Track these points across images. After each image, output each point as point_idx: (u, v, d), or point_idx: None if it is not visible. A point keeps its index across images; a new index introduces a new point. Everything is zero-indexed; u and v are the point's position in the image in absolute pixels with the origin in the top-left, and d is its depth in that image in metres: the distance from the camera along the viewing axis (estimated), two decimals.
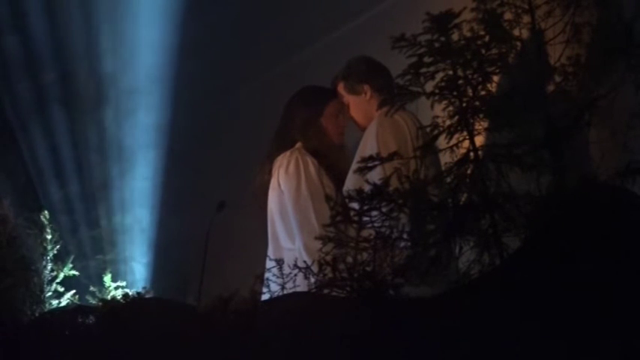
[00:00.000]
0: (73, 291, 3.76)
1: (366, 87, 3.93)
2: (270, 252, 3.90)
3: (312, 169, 3.84)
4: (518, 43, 2.71)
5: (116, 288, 3.94)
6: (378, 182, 2.52)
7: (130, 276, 5.42)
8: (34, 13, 5.77)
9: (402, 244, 2.53)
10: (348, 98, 3.98)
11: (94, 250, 5.72)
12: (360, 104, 3.96)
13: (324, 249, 2.62)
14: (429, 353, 2.26)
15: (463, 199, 2.55)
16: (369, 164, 2.60)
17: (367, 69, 3.95)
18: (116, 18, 5.94)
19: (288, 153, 3.91)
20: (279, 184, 3.88)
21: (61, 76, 5.94)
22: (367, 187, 2.53)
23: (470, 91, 2.56)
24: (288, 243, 3.84)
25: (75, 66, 6.00)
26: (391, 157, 2.63)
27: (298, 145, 3.96)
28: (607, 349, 2.09)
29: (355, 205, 2.55)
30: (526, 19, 2.72)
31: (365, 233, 2.56)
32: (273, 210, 3.92)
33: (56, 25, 5.82)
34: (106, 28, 5.96)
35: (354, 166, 3.52)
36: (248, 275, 3.15)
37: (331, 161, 3.93)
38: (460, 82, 2.55)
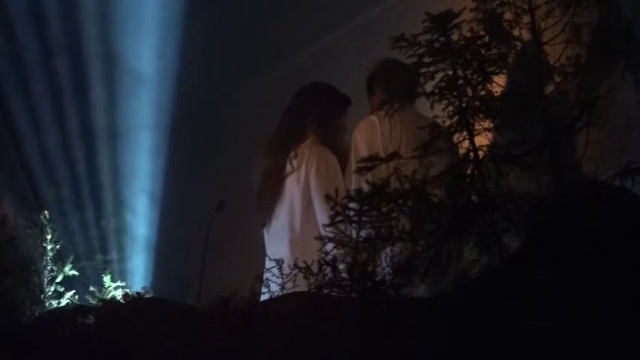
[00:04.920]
0: (73, 291, 3.76)
1: (377, 88, 4.05)
2: (284, 242, 3.89)
3: (338, 168, 3.89)
4: (518, 43, 2.71)
5: (116, 288, 3.93)
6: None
7: (129, 276, 5.42)
8: (33, 14, 5.78)
9: (402, 244, 2.53)
10: (370, 98, 4.06)
11: (94, 250, 5.72)
12: (374, 104, 4.05)
13: (323, 249, 2.62)
14: (429, 353, 2.26)
15: (463, 199, 2.55)
16: (369, 164, 2.60)
17: (378, 71, 4.06)
18: (116, 18, 5.95)
19: (314, 149, 3.95)
20: (305, 179, 3.89)
21: (59, 76, 5.94)
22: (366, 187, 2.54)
23: (470, 91, 2.56)
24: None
25: (75, 65, 6.01)
26: (390, 157, 2.63)
27: (312, 138, 3.98)
28: (606, 348, 2.09)
29: (355, 205, 2.55)
30: (526, 19, 2.72)
31: (364, 233, 2.56)
32: (295, 202, 3.91)
33: (57, 22, 5.83)
34: (106, 32, 5.97)
35: (354, 166, 3.59)
36: (248, 275, 3.15)
37: (344, 160, 3.98)
38: (460, 82, 2.55)
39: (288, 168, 3.97)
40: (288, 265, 2.90)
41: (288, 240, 3.92)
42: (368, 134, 3.83)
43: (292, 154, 3.97)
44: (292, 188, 3.95)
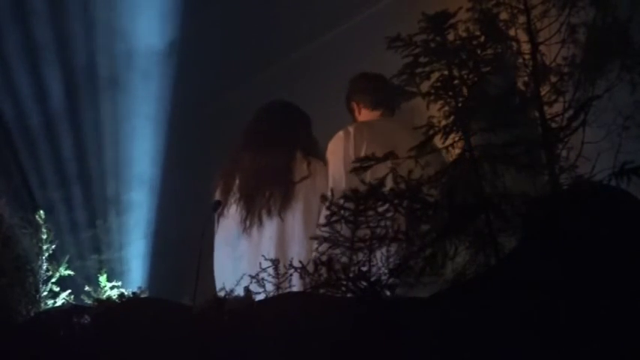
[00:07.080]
0: (69, 291, 3.75)
1: (354, 104, 4.10)
2: (302, 245, 3.87)
3: None
4: (514, 43, 2.71)
5: (112, 288, 3.92)
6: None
7: (125, 276, 5.41)
8: (30, 13, 5.77)
9: (398, 244, 2.54)
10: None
11: (90, 250, 5.70)
12: (355, 120, 4.12)
13: (319, 249, 2.62)
14: (424, 353, 2.26)
15: (458, 199, 2.55)
16: (364, 164, 2.62)
17: (353, 87, 4.13)
18: (114, 16, 5.95)
19: (321, 163, 3.97)
20: (320, 190, 3.88)
21: (56, 76, 5.94)
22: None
23: (465, 91, 2.56)
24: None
25: (71, 64, 6.00)
26: (386, 158, 2.64)
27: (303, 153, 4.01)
28: (603, 348, 2.10)
29: (351, 205, 2.55)
30: (522, 19, 2.72)
31: (360, 233, 2.56)
32: (314, 209, 3.88)
33: (56, 22, 5.82)
34: (104, 27, 5.96)
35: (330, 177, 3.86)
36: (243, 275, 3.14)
37: None
38: (456, 82, 2.55)
39: (304, 172, 3.95)
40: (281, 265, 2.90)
41: (309, 244, 3.87)
42: (334, 146, 3.91)
43: (306, 162, 3.96)
44: (308, 195, 3.93)
